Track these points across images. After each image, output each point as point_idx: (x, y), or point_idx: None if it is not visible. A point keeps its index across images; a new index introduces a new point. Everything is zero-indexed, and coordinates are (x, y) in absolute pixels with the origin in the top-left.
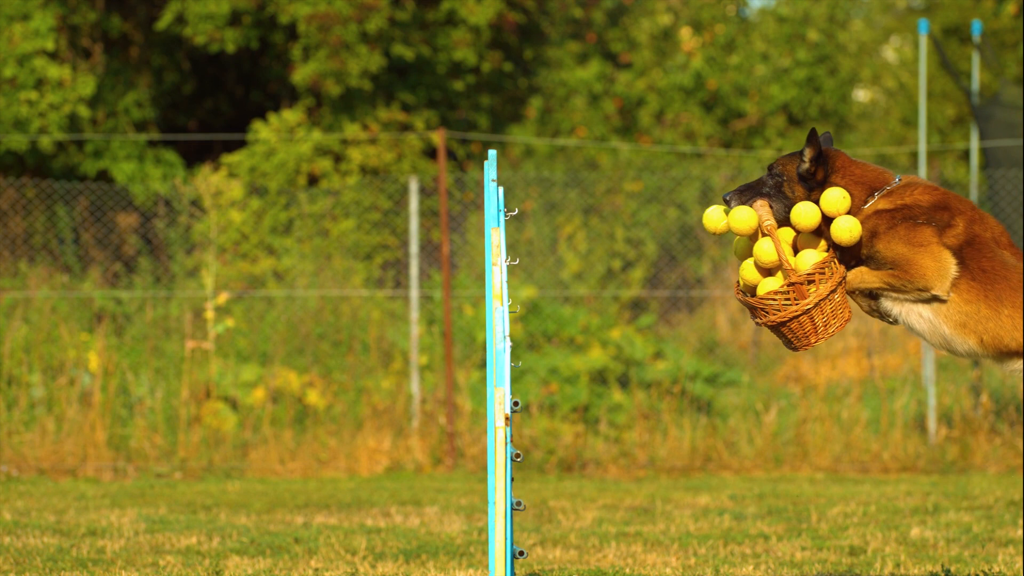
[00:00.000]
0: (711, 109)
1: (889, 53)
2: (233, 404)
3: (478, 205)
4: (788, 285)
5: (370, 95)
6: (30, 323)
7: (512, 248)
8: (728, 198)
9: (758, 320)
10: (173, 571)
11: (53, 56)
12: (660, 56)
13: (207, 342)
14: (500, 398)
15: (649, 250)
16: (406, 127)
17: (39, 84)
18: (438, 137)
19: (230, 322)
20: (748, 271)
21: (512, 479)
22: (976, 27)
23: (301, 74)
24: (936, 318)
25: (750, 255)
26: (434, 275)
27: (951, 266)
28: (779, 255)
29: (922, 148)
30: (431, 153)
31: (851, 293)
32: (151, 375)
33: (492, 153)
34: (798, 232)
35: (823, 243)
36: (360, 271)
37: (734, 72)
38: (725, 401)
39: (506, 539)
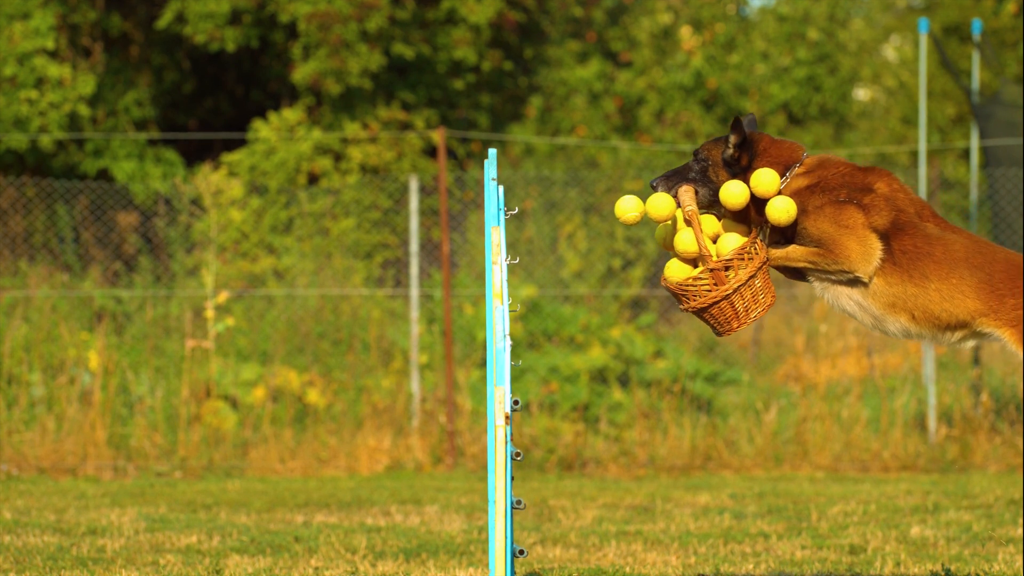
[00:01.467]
0: (711, 108)
1: (889, 52)
2: (233, 403)
3: (478, 204)
4: (707, 271)
5: (370, 94)
6: (30, 322)
7: (512, 247)
8: (655, 184)
9: (682, 306)
10: (173, 570)
11: (53, 55)
12: (660, 55)
13: (207, 341)
14: (500, 397)
15: (649, 249)
16: (406, 126)
17: (39, 83)
18: (438, 136)
19: (230, 321)
20: (672, 263)
21: (512, 478)
22: (976, 26)
23: (301, 73)
24: (865, 300)
25: (671, 243)
26: (434, 274)
27: (876, 250)
28: (697, 241)
29: (922, 147)
30: (431, 152)
31: (777, 269)
32: (151, 374)
33: (492, 152)
34: (726, 211)
35: (743, 229)
36: (360, 270)
37: (734, 71)
38: (725, 400)
39: (506, 538)
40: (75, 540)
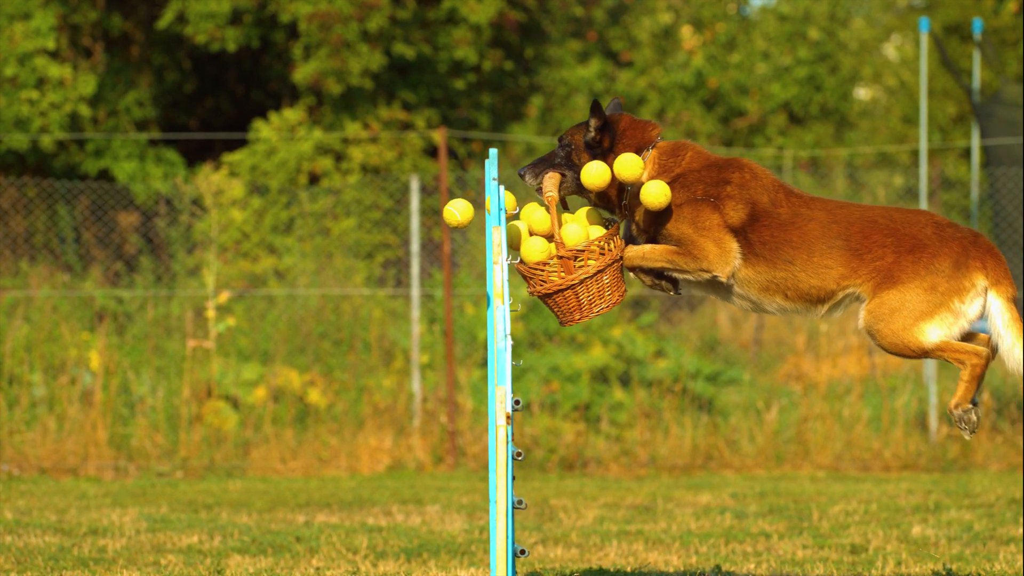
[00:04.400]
0: (712, 107)
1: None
2: (234, 403)
3: (479, 204)
4: (556, 258)
5: (371, 94)
6: (31, 322)
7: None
8: (523, 172)
9: (529, 289)
10: (174, 570)
11: (54, 55)
12: (661, 54)
13: (208, 341)
14: (501, 397)
15: None
16: (407, 126)
17: (40, 83)
18: (439, 136)
19: (231, 321)
20: (530, 244)
21: (513, 478)
22: (977, 25)
23: (302, 73)
24: (742, 289)
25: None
26: (435, 274)
27: (733, 252)
28: (553, 228)
29: (923, 146)
30: (432, 152)
31: (633, 270)
32: (152, 374)
33: (493, 152)
34: (594, 197)
35: (596, 216)
36: (361, 270)
37: (735, 70)
38: (726, 399)
39: (507, 538)
40: (76, 540)
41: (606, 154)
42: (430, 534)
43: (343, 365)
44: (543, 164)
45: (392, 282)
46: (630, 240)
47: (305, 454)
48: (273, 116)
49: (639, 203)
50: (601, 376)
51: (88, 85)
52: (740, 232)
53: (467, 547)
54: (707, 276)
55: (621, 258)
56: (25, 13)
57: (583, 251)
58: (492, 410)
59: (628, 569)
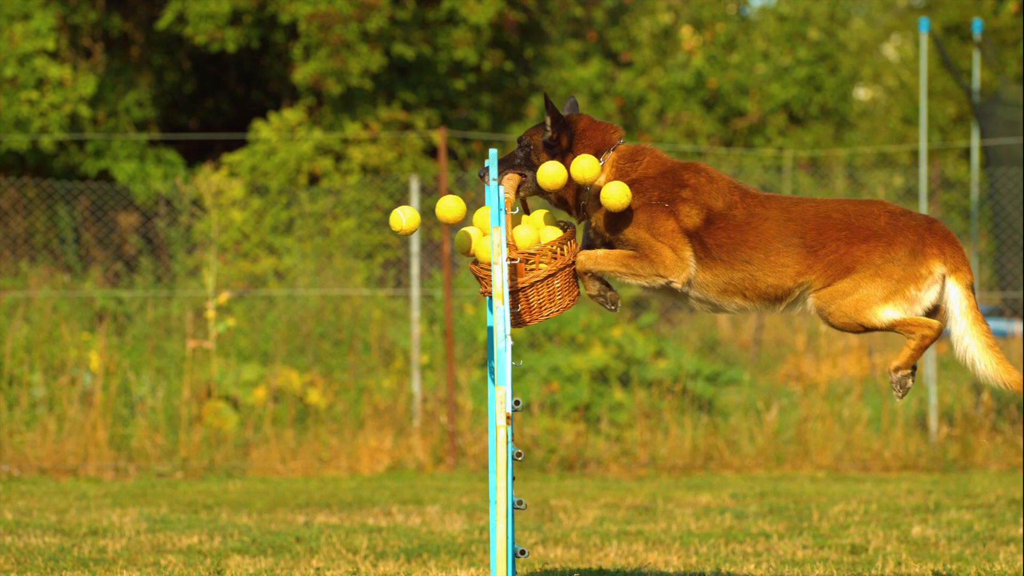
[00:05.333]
0: (712, 108)
1: (890, 51)
2: (234, 403)
3: (479, 204)
4: (508, 260)
5: (371, 94)
6: (31, 323)
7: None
8: (482, 174)
9: (481, 290)
10: (175, 570)
11: (54, 56)
12: (661, 55)
13: (208, 341)
14: (501, 397)
15: None
16: (407, 126)
17: (40, 84)
18: (439, 136)
19: (231, 321)
20: (483, 244)
21: (513, 478)
22: (977, 25)
23: (302, 73)
24: (701, 292)
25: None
26: (435, 274)
27: (688, 258)
28: (506, 231)
29: (923, 146)
30: (432, 152)
31: (584, 275)
32: (152, 375)
33: (493, 152)
34: (553, 197)
35: (552, 219)
36: (361, 270)
37: (735, 71)
38: (726, 400)
39: (507, 538)
40: (76, 541)
41: (565, 154)
42: (430, 534)
43: (343, 365)
44: (503, 165)
45: (392, 282)
46: (588, 245)
47: (305, 454)
48: (273, 117)
49: (597, 206)
50: (601, 376)
51: (88, 86)
52: (696, 236)
53: (467, 547)
54: (662, 282)
55: (574, 263)
56: (25, 14)
57: (535, 254)
58: (492, 410)
59: (628, 569)
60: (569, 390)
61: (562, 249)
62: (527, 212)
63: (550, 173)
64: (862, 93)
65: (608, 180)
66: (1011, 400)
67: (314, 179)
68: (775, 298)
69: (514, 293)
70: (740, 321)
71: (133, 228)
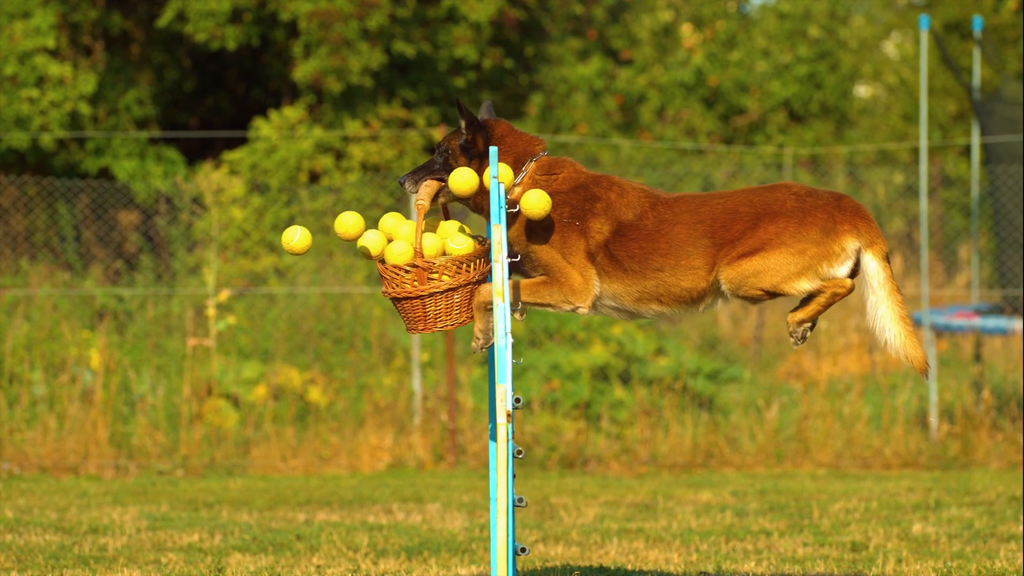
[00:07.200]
0: (712, 105)
1: (890, 49)
2: (235, 401)
3: None
4: (411, 266)
5: (371, 92)
6: (32, 321)
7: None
8: (403, 180)
9: (383, 289)
10: (175, 568)
11: (54, 54)
12: (661, 52)
13: (209, 339)
14: (502, 395)
15: None
16: (407, 124)
17: (40, 82)
18: (439, 134)
19: (232, 319)
20: (395, 245)
21: (514, 476)
22: (977, 23)
23: (302, 71)
24: (616, 302)
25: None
26: None
27: (592, 283)
28: (415, 235)
29: (923, 144)
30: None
31: (480, 307)
32: (153, 372)
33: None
34: (470, 203)
35: (466, 235)
36: (361, 268)
37: (735, 68)
38: (727, 397)
39: (508, 536)
40: (77, 539)
41: (482, 158)
42: (431, 532)
43: (343, 363)
44: (423, 171)
45: None
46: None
47: (305, 452)
48: (273, 114)
49: (512, 217)
50: (601, 374)
51: (88, 83)
52: (606, 249)
53: (468, 545)
54: (569, 308)
55: (478, 281)
56: (25, 12)
57: (439, 266)
58: (493, 408)
59: (628, 567)
60: (569, 388)
61: (469, 265)
62: (447, 219)
63: (462, 180)
64: (862, 91)
65: (525, 191)
66: (1011, 397)
67: (314, 177)
68: (692, 300)
69: (412, 299)
70: (741, 319)
71: (133, 226)
